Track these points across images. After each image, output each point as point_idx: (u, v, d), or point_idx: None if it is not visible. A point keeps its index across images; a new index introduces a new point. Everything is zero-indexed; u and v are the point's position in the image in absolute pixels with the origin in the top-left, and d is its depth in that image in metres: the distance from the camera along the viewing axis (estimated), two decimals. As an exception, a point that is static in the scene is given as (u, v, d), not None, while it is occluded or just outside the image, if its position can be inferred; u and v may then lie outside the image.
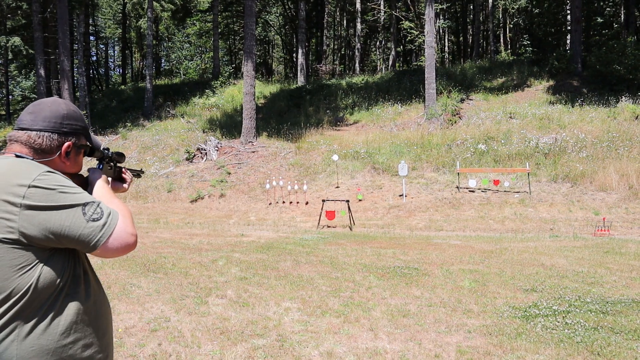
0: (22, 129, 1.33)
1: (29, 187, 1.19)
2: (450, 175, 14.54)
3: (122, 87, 34.05)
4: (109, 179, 1.65)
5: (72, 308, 1.27)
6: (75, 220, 1.21)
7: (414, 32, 27.17)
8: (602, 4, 24.44)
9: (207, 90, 26.40)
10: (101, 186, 1.48)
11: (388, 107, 21.14)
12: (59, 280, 1.24)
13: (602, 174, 12.81)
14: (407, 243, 8.91)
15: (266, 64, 42.28)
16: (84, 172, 1.54)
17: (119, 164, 1.74)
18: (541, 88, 20.41)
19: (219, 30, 31.88)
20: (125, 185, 1.76)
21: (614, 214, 11.17)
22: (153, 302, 4.85)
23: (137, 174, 1.98)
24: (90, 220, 1.22)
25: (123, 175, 1.77)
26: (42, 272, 1.21)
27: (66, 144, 1.36)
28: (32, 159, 1.30)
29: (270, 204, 14.32)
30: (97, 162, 1.63)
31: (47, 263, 1.22)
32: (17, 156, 1.30)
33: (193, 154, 18.49)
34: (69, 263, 1.28)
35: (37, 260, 1.21)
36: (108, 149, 1.65)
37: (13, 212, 1.18)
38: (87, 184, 1.52)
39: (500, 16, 35.84)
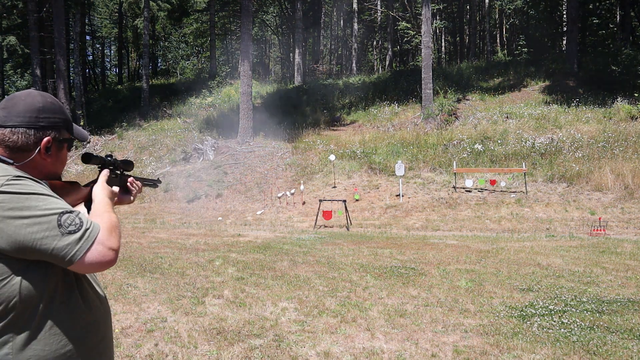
0: None
1: None
2: (446, 175, 14.56)
3: (119, 86, 33.98)
4: (116, 188, 1.51)
5: (67, 316, 1.21)
6: (48, 232, 1.10)
7: (411, 32, 27.24)
8: (598, 4, 24.52)
9: (203, 90, 26.35)
10: (99, 201, 1.35)
11: (385, 107, 21.14)
12: (45, 289, 1.16)
13: (598, 174, 12.85)
14: (404, 243, 8.92)
15: (263, 63, 42.24)
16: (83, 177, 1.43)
17: (126, 173, 1.62)
18: (537, 88, 20.47)
19: (216, 30, 31.82)
20: (130, 197, 1.63)
21: (610, 214, 11.22)
22: (149, 303, 4.83)
23: (153, 183, 1.81)
24: (65, 233, 1.12)
25: (128, 185, 1.63)
26: (23, 284, 1.12)
27: (45, 139, 1.26)
28: (11, 161, 1.21)
29: (266, 204, 14.31)
30: (99, 169, 1.50)
31: (26, 274, 1.12)
32: None
33: (190, 154, 18.44)
34: (54, 270, 1.18)
35: (11, 273, 1.11)
36: (111, 156, 1.54)
37: None
38: (90, 199, 1.38)
39: (497, 17, 35.97)
